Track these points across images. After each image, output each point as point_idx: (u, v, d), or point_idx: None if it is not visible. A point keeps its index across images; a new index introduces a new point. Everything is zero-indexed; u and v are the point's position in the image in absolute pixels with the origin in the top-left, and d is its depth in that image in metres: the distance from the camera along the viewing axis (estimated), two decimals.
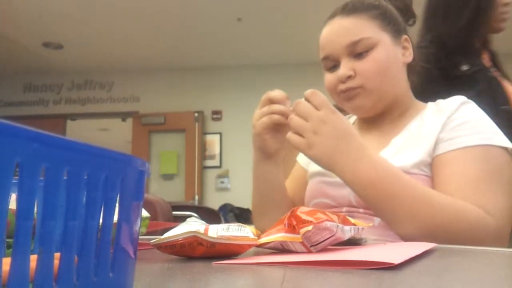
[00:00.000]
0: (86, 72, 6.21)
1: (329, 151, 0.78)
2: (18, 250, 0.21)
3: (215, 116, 6.07)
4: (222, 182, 5.88)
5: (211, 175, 5.94)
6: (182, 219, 0.70)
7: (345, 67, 0.93)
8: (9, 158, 0.20)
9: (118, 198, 0.28)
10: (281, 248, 0.58)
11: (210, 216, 2.89)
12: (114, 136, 7.62)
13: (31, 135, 0.21)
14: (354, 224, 0.61)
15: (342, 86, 0.94)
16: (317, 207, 0.96)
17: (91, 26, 4.93)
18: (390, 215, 0.78)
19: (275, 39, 5.24)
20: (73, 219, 0.24)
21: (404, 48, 0.99)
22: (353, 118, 1.12)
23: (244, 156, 4.46)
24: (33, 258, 0.22)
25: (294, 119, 0.80)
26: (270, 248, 0.60)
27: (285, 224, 0.57)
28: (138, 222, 0.31)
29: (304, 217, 0.55)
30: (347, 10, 0.96)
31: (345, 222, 0.59)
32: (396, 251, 0.57)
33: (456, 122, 0.88)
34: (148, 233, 0.71)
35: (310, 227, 0.54)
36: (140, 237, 0.63)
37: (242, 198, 5.15)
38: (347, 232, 0.59)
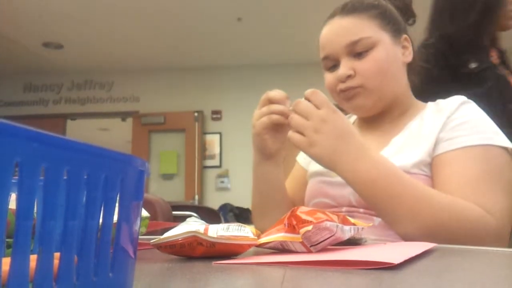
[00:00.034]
0: (86, 72, 6.21)
1: (330, 150, 0.78)
2: (18, 250, 0.21)
3: (215, 116, 6.07)
4: (222, 182, 5.88)
5: (211, 175, 5.94)
6: (182, 219, 0.70)
7: (345, 67, 0.93)
8: (9, 158, 0.20)
9: (118, 198, 0.28)
10: (281, 248, 0.58)
11: (210, 216, 2.89)
12: (114, 136, 7.62)
13: (31, 134, 0.21)
14: (354, 224, 0.61)
15: (342, 86, 0.94)
16: (317, 207, 0.96)
17: (91, 26, 4.92)
18: (391, 215, 0.78)
19: (275, 39, 5.24)
20: (73, 219, 0.24)
21: (404, 47, 0.99)
22: (353, 118, 1.12)
23: (244, 156, 4.46)
24: (33, 258, 0.22)
25: (295, 118, 0.80)
26: (270, 248, 0.60)
27: (285, 224, 0.57)
28: (138, 222, 0.31)
29: (304, 217, 0.55)
30: (346, 10, 0.96)
31: (345, 222, 0.59)
32: (396, 251, 0.57)
33: (456, 122, 0.88)
34: (148, 233, 0.71)
35: (310, 227, 0.54)
36: (140, 237, 0.63)
37: (242, 198, 5.15)
38: (347, 232, 0.59)
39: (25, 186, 0.21)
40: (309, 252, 0.55)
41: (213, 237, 0.53)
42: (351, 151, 0.78)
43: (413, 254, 0.49)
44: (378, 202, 0.78)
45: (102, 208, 0.27)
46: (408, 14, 1.07)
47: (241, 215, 5.30)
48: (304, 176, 1.10)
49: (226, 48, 5.56)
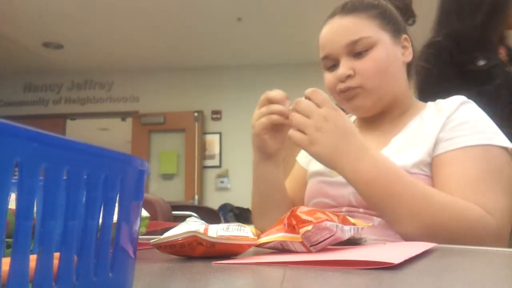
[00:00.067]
0: (86, 72, 6.21)
1: (330, 148, 0.78)
2: (18, 250, 0.21)
3: (214, 116, 6.07)
4: (222, 182, 5.88)
5: (210, 175, 5.94)
6: (182, 219, 0.70)
7: (345, 67, 0.93)
8: (9, 158, 0.20)
9: (117, 198, 0.28)
10: (280, 248, 0.58)
11: (210, 216, 2.88)
12: (114, 135, 7.62)
13: (31, 134, 0.21)
14: (353, 224, 0.61)
15: (342, 86, 0.94)
16: (317, 206, 0.96)
17: (91, 26, 4.93)
18: (391, 214, 0.78)
19: (275, 39, 5.24)
20: (73, 219, 0.24)
21: (404, 47, 0.99)
22: (353, 118, 1.12)
23: (244, 156, 4.46)
24: (33, 258, 0.22)
25: (296, 116, 0.80)
26: (269, 248, 0.60)
27: (284, 224, 0.57)
28: (138, 222, 0.31)
29: (303, 217, 0.55)
30: (346, 10, 0.96)
31: (344, 222, 0.59)
32: (396, 251, 0.57)
33: (456, 122, 0.88)
34: (147, 233, 0.71)
35: (309, 227, 0.54)
36: (140, 237, 0.63)
37: (242, 198, 5.15)
38: (347, 232, 0.59)
39: (25, 186, 0.21)
40: (309, 252, 0.55)
41: (213, 237, 0.53)
42: (352, 150, 0.78)
43: (413, 254, 0.49)
44: (378, 201, 0.78)
45: (102, 208, 0.27)
46: (408, 14, 1.07)
47: (241, 215, 5.30)
48: (304, 176, 1.10)
49: (226, 48, 5.56)
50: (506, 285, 0.38)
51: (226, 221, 4.69)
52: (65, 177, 0.24)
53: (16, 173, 0.21)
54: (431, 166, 0.88)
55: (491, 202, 0.79)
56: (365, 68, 0.92)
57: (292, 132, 0.81)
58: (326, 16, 1.01)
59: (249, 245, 0.56)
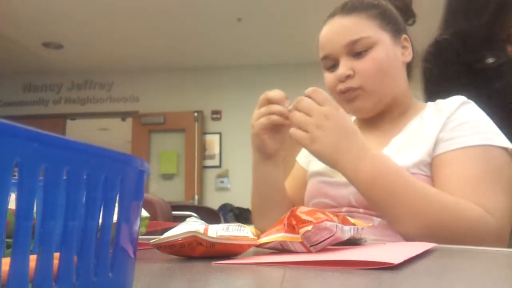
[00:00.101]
0: (86, 72, 6.21)
1: (332, 147, 0.78)
2: (18, 250, 0.21)
3: (214, 116, 6.07)
4: (222, 182, 5.88)
5: (210, 175, 5.94)
6: (182, 219, 0.70)
7: (344, 67, 0.93)
8: (9, 158, 0.20)
9: (117, 198, 0.28)
10: (280, 248, 0.58)
11: (210, 216, 2.88)
12: (114, 136, 7.62)
13: (30, 135, 0.21)
14: (353, 224, 0.61)
15: (342, 86, 0.94)
16: (317, 207, 0.96)
17: (91, 26, 4.93)
18: (391, 213, 0.78)
19: (275, 39, 5.24)
20: (73, 219, 0.24)
21: (404, 47, 0.99)
22: (353, 118, 1.12)
23: (243, 156, 4.45)
24: (33, 258, 0.22)
25: (297, 115, 0.80)
26: (269, 248, 0.60)
27: (284, 224, 0.57)
28: (138, 222, 0.31)
29: (303, 217, 0.55)
30: (346, 9, 0.96)
31: (344, 222, 0.59)
32: (396, 251, 0.57)
33: (456, 122, 0.88)
34: (147, 233, 0.71)
35: (309, 227, 0.54)
36: (140, 237, 0.63)
37: (242, 198, 5.15)
38: (347, 232, 0.59)
39: (25, 186, 0.21)
40: (309, 252, 0.55)
41: (213, 237, 0.53)
42: (353, 149, 0.78)
43: (413, 254, 0.49)
44: (379, 201, 0.78)
45: (102, 208, 0.27)
46: (408, 14, 1.07)
47: (241, 215, 5.30)
48: (304, 176, 1.10)
49: (226, 48, 5.56)
50: (506, 285, 0.38)
51: (226, 221, 4.68)
52: (65, 177, 0.24)
53: (16, 173, 0.21)
54: (431, 166, 0.88)
55: (491, 202, 0.79)
56: (365, 68, 0.92)
57: (293, 131, 0.81)
58: (326, 16, 1.01)
59: (249, 245, 0.56)
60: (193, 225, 0.60)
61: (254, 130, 0.91)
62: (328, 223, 0.54)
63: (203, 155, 5.95)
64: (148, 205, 1.63)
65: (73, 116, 6.39)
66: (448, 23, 1.49)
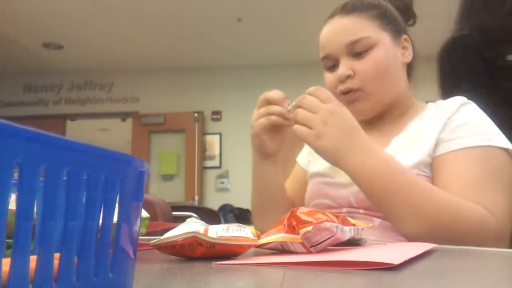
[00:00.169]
0: (86, 72, 6.21)
1: (337, 143, 0.78)
2: (18, 250, 0.21)
3: (214, 116, 6.07)
4: (222, 183, 5.88)
5: (211, 175, 5.94)
6: (182, 219, 0.70)
7: (344, 67, 0.93)
8: (9, 158, 0.20)
9: (117, 199, 0.28)
10: (281, 249, 0.58)
11: (210, 216, 2.88)
12: (114, 136, 7.62)
13: (31, 135, 0.21)
14: (354, 225, 0.61)
15: (342, 87, 0.95)
16: (317, 207, 0.96)
17: (91, 26, 4.93)
18: (393, 212, 0.78)
19: (275, 39, 5.24)
20: (73, 219, 0.24)
21: (404, 48, 0.99)
22: None
23: (244, 156, 4.45)
24: (33, 259, 0.22)
25: (301, 112, 0.80)
26: (270, 248, 0.60)
27: (285, 225, 0.57)
28: (138, 223, 0.31)
29: (304, 217, 0.55)
30: (346, 10, 0.96)
31: (344, 222, 0.59)
32: (396, 252, 0.57)
33: (456, 123, 0.88)
34: (148, 234, 0.71)
35: (310, 228, 0.54)
36: (140, 237, 0.63)
37: (242, 198, 5.14)
38: (347, 233, 0.59)
39: (25, 186, 0.21)
40: (309, 252, 0.55)
41: (213, 238, 0.53)
42: (357, 146, 0.78)
43: (413, 255, 0.49)
44: (380, 199, 0.78)
45: (102, 209, 0.27)
46: (408, 14, 1.07)
47: (241, 216, 5.30)
48: (304, 176, 1.10)
49: (226, 48, 5.56)
50: (506, 285, 0.38)
51: (226, 221, 4.68)
52: (65, 178, 0.24)
53: (17, 174, 0.21)
54: (432, 167, 0.88)
55: (491, 202, 0.79)
56: (365, 69, 0.92)
57: (297, 127, 0.81)
58: (326, 16, 1.01)
59: (249, 246, 0.56)
60: (193, 225, 0.60)
61: (253, 131, 0.91)
62: (328, 224, 0.54)
63: (203, 156, 5.95)
64: (148, 206, 1.63)
65: (73, 117, 6.39)
66: (466, 18, 1.43)
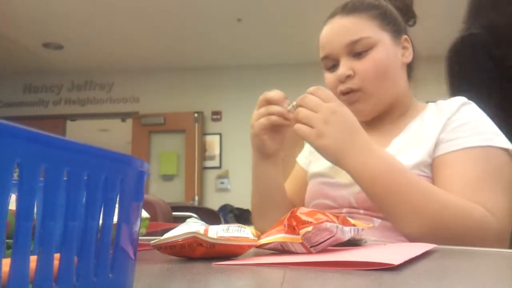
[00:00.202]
0: (86, 73, 6.21)
1: (338, 142, 0.78)
2: (18, 250, 0.21)
3: (214, 116, 6.07)
4: (222, 183, 5.88)
5: (211, 175, 5.94)
6: (182, 219, 0.70)
7: (344, 67, 0.93)
8: (9, 159, 0.20)
9: (118, 199, 0.28)
10: (281, 249, 0.58)
11: (210, 216, 2.88)
12: (114, 136, 7.63)
13: (31, 135, 0.21)
14: (354, 225, 0.61)
15: (342, 87, 0.94)
16: (317, 208, 0.96)
17: (91, 26, 4.93)
18: (393, 212, 0.78)
19: (275, 39, 5.24)
20: (73, 219, 0.24)
21: (404, 48, 0.99)
22: None
23: (244, 156, 4.45)
24: (33, 259, 0.22)
25: (303, 111, 0.80)
26: (270, 249, 0.60)
27: (285, 225, 0.57)
28: (138, 223, 0.31)
29: (304, 218, 0.55)
30: (347, 10, 0.96)
31: (345, 223, 0.59)
32: (396, 252, 0.57)
33: (457, 123, 0.88)
34: (148, 234, 0.71)
35: (310, 228, 0.54)
36: (140, 237, 0.63)
37: (242, 198, 5.14)
38: (347, 233, 0.59)
39: (25, 187, 0.21)
40: (309, 253, 0.55)
41: (213, 238, 0.53)
42: (358, 145, 0.78)
43: (413, 255, 0.49)
44: (381, 198, 0.78)
45: (102, 209, 0.27)
46: (408, 15, 1.06)
47: (241, 216, 5.30)
48: (304, 177, 1.10)
49: (226, 48, 5.56)
50: (506, 286, 0.38)
51: (226, 222, 4.68)
52: (65, 178, 0.24)
53: (17, 174, 0.21)
54: (432, 167, 0.88)
55: (491, 202, 0.79)
56: (365, 69, 0.92)
57: (298, 126, 0.81)
58: (326, 16, 1.01)
59: (249, 246, 0.56)
60: (193, 226, 0.60)
61: (253, 131, 0.91)
62: (328, 224, 0.54)
63: (203, 156, 5.95)
64: (148, 206, 1.63)
65: (73, 117, 6.39)
66: (474, 16, 1.41)
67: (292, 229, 0.56)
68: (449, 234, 0.75)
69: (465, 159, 0.84)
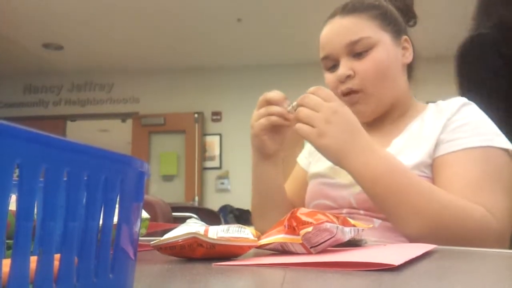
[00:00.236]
0: (86, 73, 6.21)
1: (339, 141, 0.78)
2: (18, 251, 0.21)
3: (215, 117, 6.07)
4: (222, 183, 5.88)
5: (211, 176, 5.94)
6: (182, 220, 0.70)
7: (345, 67, 0.93)
8: (9, 159, 0.20)
9: (118, 199, 0.28)
10: (281, 250, 0.58)
11: (210, 217, 2.88)
12: (114, 137, 7.62)
13: (31, 136, 0.21)
14: (354, 226, 0.61)
15: (342, 87, 0.94)
16: (317, 208, 0.96)
17: (91, 27, 4.93)
18: (394, 212, 0.78)
19: (275, 39, 5.24)
20: (73, 220, 0.24)
21: (404, 48, 0.99)
22: None
23: (244, 157, 4.45)
24: (33, 259, 0.22)
25: (304, 111, 0.80)
26: (270, 249, 0.60)
27: (285, 225, 0.57)
28: (138, 223, 0.31)
29: (304, 218, 0.55)
30: (347, 10, 0.96)
31: (345, 223, 0.59)
32: (396, 253, 0.57)
33: (457, 123, 0.88)
34: (148, 234, 0.71)
35: (310, 228, 0.54)
36: (140, 238, 0.63)
37: (242, 199, 5.14)
38: (347, 234, 0.59)
39: (25, 187, 0.21)
40: (309, 253, 0.55)
41: (213, 239, 0.53)
42: (359, 145, 0.78)
43: (414, 256, 0.49)
44: (382, 199, 0.78)
45: (102, 210, 0.27)
46: (409, 15, 1.07)
47: (241, 217, 5.30)
48: (305, 177, 1.10)
49: (226, 49, 5.56)
50: (506, 286, 0.38)
51: (226, 222, 4.68)
52: (65, 178, 0.24)
53: (17, 174, 0.21)
54: (432, 168, 0.88)
55: (492, 203, 0.79)
56: (365, 69, 0.92)
57: (299, 125, 0.80)
58: (326, 16, 1.01)
59: (249, 247, 0.56)
60: (193, 226, 0.60)
61: (253, 131, 0.91)
62: (328, 225, 0.54)
63: (203, 157, 5.95)
64: (148, 206, 1.63)
65: (73, 118, 6.39)
66: (484, 13, 1.39)
67: (292, 230, 0.56)
68: (449, 234, 0.75)
69: (465, 159, 0.84)
